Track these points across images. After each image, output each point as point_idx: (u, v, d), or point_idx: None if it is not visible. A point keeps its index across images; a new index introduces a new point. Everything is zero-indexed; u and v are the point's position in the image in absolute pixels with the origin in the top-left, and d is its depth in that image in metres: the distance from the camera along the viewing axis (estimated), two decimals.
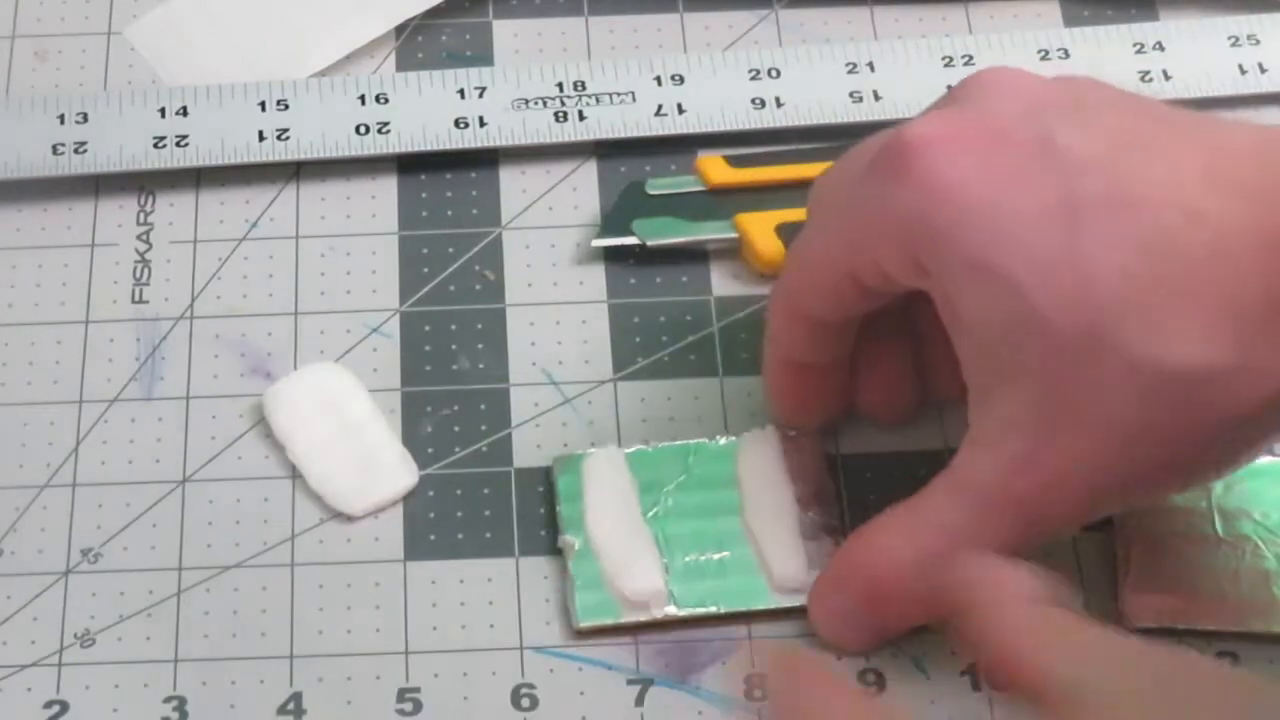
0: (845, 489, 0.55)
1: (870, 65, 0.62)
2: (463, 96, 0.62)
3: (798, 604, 0.52)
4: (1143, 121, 0.47)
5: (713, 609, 0.52)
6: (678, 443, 0.55)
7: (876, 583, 0.50)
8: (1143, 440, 0.46)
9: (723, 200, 0.60)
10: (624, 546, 0.53)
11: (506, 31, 0.64)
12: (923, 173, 0.47)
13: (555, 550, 0.54)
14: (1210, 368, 0.45)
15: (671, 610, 0.52)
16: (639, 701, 0.52)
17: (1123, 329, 0.45)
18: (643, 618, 0.52)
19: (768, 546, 0.53)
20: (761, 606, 0.52)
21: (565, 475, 0.55)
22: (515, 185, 0.61)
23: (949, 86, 0.61)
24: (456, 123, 0.61)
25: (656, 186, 0.60)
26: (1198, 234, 0.45)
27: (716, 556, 0.53)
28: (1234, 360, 0.45)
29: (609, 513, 0.53)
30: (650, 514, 0.54)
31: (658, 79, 0.62)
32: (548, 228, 0.60)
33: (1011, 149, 0.47)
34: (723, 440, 0.55)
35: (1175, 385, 0.45)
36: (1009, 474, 0.47)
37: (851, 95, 0.62)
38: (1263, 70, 0.63)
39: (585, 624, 0.52)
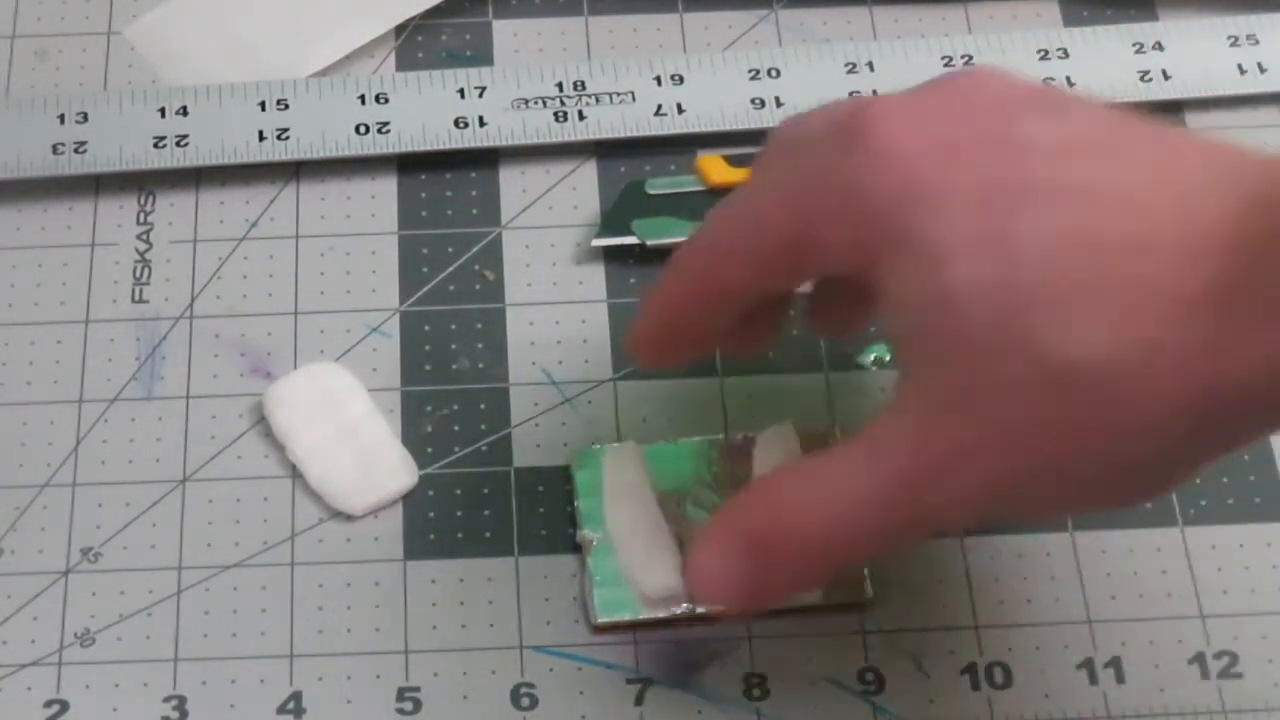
0: None
1: (870, 65, 0.62)
2: (462, 96, 0.62)
3: (809, 603, 0.52)
4: (1109, 125, 0.46)
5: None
6: (696, 438, 0.55)
7: (766, 535, 0.48)
8: (1036, 435, 0.44)
9: None
10: (642, 543, 0.53)
11: (506, 31, 0.64)
12: (877, 144, 0.46)
13: (555, 549, 0.54)
14: (1112, 364, 0.43)
15: (688, 606, 0.52)
16: (639, 701, 0.52)
17: (1032, 317, 0.43)
18: (661, 614, 0.52)
19: None
20: (778, 605, 0.52)
21: (583, 470, 0.55)
22: (515, 185, 0.61)
23: None
24: (456, 122, 0.61)
25: (656, 186, 0.60)
26: (1127, 227, 0.44)
27: None
28: (1137, 359, 0.43)
29: (627, 508, 0.53)
30: (679, 510, 0.54)
31: (657, 79, 0.62)
32: (547, 227, 0.60)
33: (969, 130, 0.46)
34: (740, 437, 0.55)
35: (1075, 380, 0.43)
36: (906, 450, 0.46)
37: (851, 95, 0.62)
38: (1262, 70, 0.63)
39: (604, 620, 0.52)
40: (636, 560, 0.53)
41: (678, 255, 0.51)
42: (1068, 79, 0.62)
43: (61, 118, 0.61)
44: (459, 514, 0.55)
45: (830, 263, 0.47)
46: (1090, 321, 0.43)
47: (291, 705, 0.52)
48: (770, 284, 0.49)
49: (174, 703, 0.52)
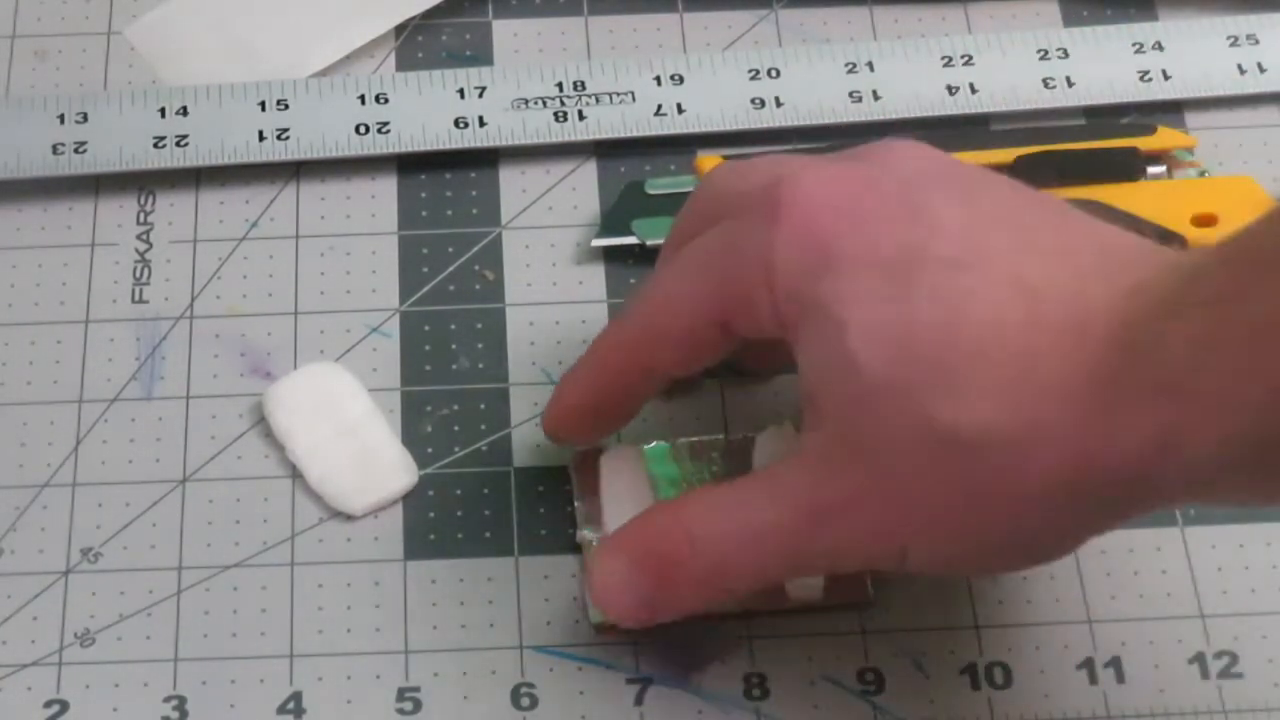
0: None
1: (870, 65, 0.62)
2: (462, 96, 0.62)
3: (809, 603, 0.52)
4: (1014, 208, 0.48)
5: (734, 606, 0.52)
6: (695, 438, 0.55)
7: (664, 555, 0.50)
8: (920, 494, 0.46)
9: None
10: None
11: (506, 31, 0.64)
12: (794, 219, 0.48)
13: (555, 549, 0.54)
14: (994, 435, 0.45)
15: None
16: (638, 701, 0.52)
17: (924, 386, 0.45)
18: None
19: None
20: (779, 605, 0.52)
21: (582, 471, 0.55)
22: (515, 185, 0.61)
23: (949, 87, 0.62)
24: (456, 123, 0.61)
25: (656, 186, 0.60)
26: (1021, 304, 0.45)
27: None
28: (1019, 433, 0.45)
29: (626, 508, 0.53)
30: None
31: (657, 79, 0.62)
32: (547, 227, 0.60)
33: (880, 205, 0.47)
34: (740, 437, 0.55)
35: (959, 446, 0.45)
36: (803, 493, 0.48)
37: (851, 95, 0.62)
38: (1262, 70, 0.63)
39: (604, 620, 0.52)
40: None
41: (601, 344, 0.53)
42: (1068, 79, 0.62)
43: (61, 118, 0.61)
44: (459, 514, 0.55)
45: (754, 331, 0.49)
46: (977, 393, 0.45)
47: (291, 705, 0.52)
48: (698, 362, 0.52)
49: (174, 703, 0.52)
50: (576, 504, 0.54)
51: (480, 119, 0.61)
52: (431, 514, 0.55)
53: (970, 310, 0.45)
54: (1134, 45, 0.63)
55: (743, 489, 0.49)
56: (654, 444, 0.55)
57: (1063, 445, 0.44)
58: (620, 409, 0.53)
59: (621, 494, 0.54)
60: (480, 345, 0.58)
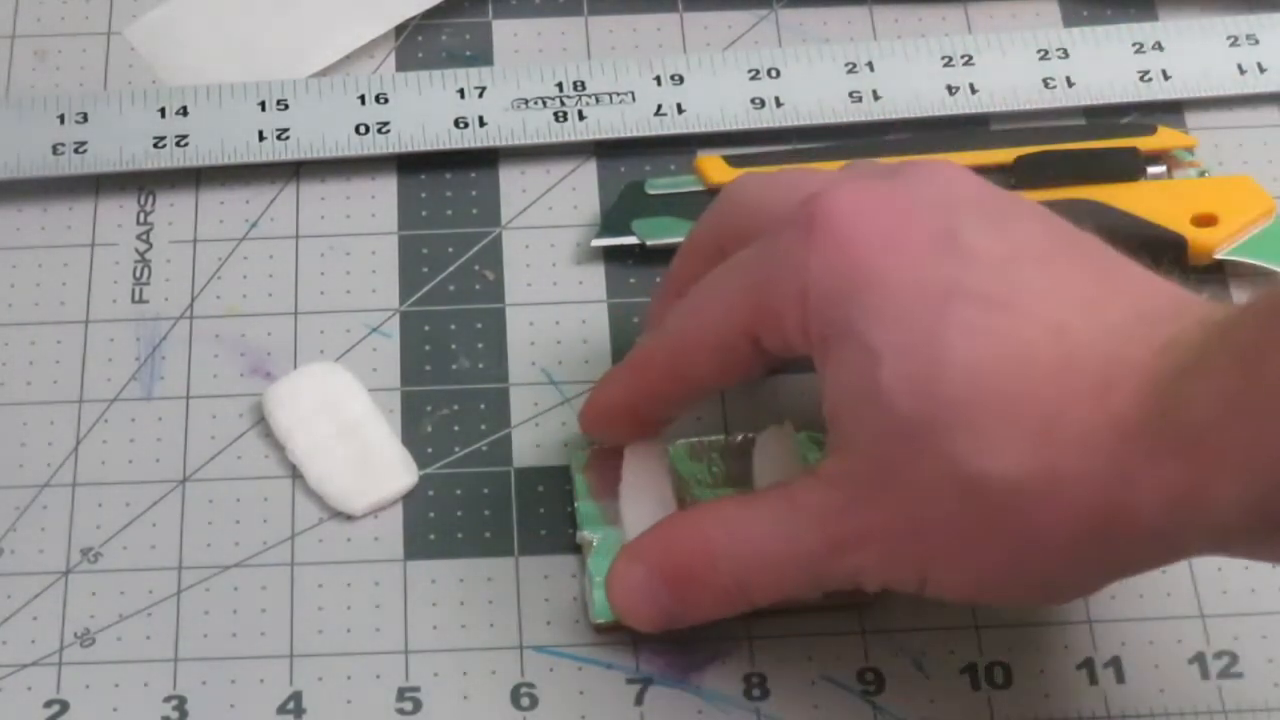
0: None
1: (870, 65, 0.62)
2: (462, 96, 0.62)
3: (809, 603, 0.52)
4: (1051, 242, 0.48)
5: None
6: (695, 439, 0.55)
7: (685, 564, 0.50)
8: (942, 534, 0.47)
9: None
10: None
11: (506, 31, 0.64)
12: (829, 235, 0.48)
13: (555, 549, 0.54)
14: (1020, 482, 0.45)
15: None
16: (638, 701, 0.52)
17: (954, 427, 0.45)
18: None
19: None
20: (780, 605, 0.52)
21: (584, 470, 0.55)
22: (515, 185, 0.61)
23: (949, 87, 0.62)
24: (456, 123, 0.61)
25: (656, 186, 0.60)
26: (1054, 349, 0.45)
27: None
28: (1043, 480, 0.45)
29: (646, 501, 0.53)
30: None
31: (657, 79, 0.62)
32: (547, 227, 0.60)
33: (916, 230, 0.47)
34: (740, 437, 0.55)
35: (983, 489, 0.45)
36: (828, 514, 0.48)
37: (851, 95, 0.62)
38: (1262, 70, 0.63)
39: (603, 620, 0.52)
40: None
41: (642, 352, 0.53)
42: (1068, 79, 0.62)
43: (61, 118, 0.61)
44: (459, 514, 0.55)
45: (783, 348, 0.50)
46: (1004, 438, 0.45)
47: (291, 705, 0.52)
48: (731, 375, 0.52)
49: (174, 703, 0.52)
50: (577, 504, 0.54)
51: (480, 119, 0.61)
52: (431, 514, 0.55)
53: (1001, 352, 0.45)
54: (1134, 45, 0.63)
55: (765, 507, 0.50)
56: (679, 443, 0.55)
57: (1085, 497, 0.45)
58: (657, 413, 0.54)
59: (643, 487, 0.54)
60: (480, 345, 0.58)
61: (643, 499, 0.54)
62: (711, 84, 0.62)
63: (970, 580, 0.48)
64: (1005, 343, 0.46)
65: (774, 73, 0.62)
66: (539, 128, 0.61)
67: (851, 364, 0.47)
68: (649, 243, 0.59)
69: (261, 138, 0.60)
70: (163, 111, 0.61)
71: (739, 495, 0.52)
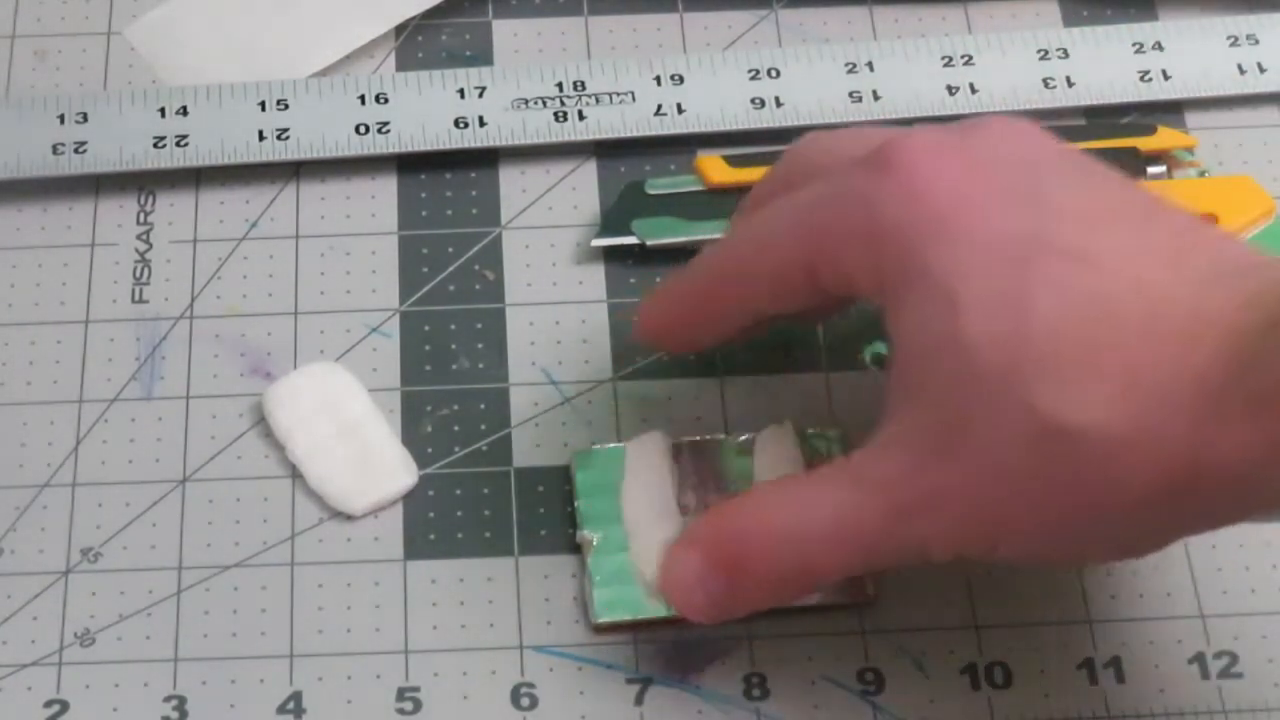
0: None
1: (870, 65, 0.62)
2: (462, 96, 0.62)
3: (809, 603, 0.52)
4: (1129, 198, 0.48)
5: None
6: (695, 438, 0.55)
7: (744, 552, 0.49)
8: (1018, 486, 0.46)
9: (722, 200, 0.60)
10: (657, 531, 0.53)
11: (506, 31, 0.64)
12: (907, 178, 0.47)
13: (555, 549, 0.54)
14: (1102, 434, 0.45)
15: None
16: (638, 701, 0.52)
17: (1035, 375, 0.45)
18: (661, 614, 0.52)
19: None
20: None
21: (584, 470, 0.55)
22: (515, 185, 0.61)
23: (949, 87, 0.62)
24: (456, 123, 0.61)
25: (656, 186, 0.60)
26: (1137, 303, 0.45)
27: None
28: (1127, 433, 0.45)
29: (648, 497, 0.53)
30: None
31: (657, 79, 0.62)
32: (547, 227, 0.60)
33: (996, 179, 0.47)
34: (741, 437, 0.55)
35: (1065, 443, 0.45)
36: (893, 481, 0.47)
37: (851, 95, 0.62)
38: (1262, 70, 0.63)
39: (603, 620, 0.52)
40: (648, 548, 0.53)
41: (701, 260, 0.53)
42: (1068, 79, 0.62)
43: (61, 118, 0.61)
44: (459, 514, 0.55)
45: (844, 287, 0.49)
46: (1088, 390, 0.45)
47: (291, 705, 0.52)
48: (783, 305, 0.51)
49: (174, 703, 0.52)
50: (577, 503, 0.54)
51: (480, 119, 0.61)
52: (431, 514, 0.55)
53: (1087, 306, 0.45)
54: (1134, 45, 0.63)
55: (823, 483, 0.49)
56: (680, 441, 0.55)
57: (1167, 451, 0.45)
58: (714, 326, 0.53)
59: (647, 483, 0.54)
60: (480, 345, 0.58)
61: (642, 487, 0.54)
62: (711, 84, 0.62)
63: (1043, 540, 0.47)
64: (1089, 297, 0.45)
65: (774, 73, 0.62)
66: (539, 128, 0.61)
67: (928, 311, 0.46)
68: (649, 243, 0.59)
69: (261, 138, 0.60)
70: (163, 111, 0.61)
71: (793, 475, 0.51)
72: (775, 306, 0.52)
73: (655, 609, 0.52)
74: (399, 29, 0.64)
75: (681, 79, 0.62)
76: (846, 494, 0.48)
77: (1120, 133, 0.61)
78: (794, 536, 0.49)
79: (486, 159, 0.61)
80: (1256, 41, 0.63)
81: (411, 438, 0.56)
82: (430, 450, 0.56)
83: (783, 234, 0.50)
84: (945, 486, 0.47)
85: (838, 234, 0.48)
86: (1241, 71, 0.63)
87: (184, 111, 0.61)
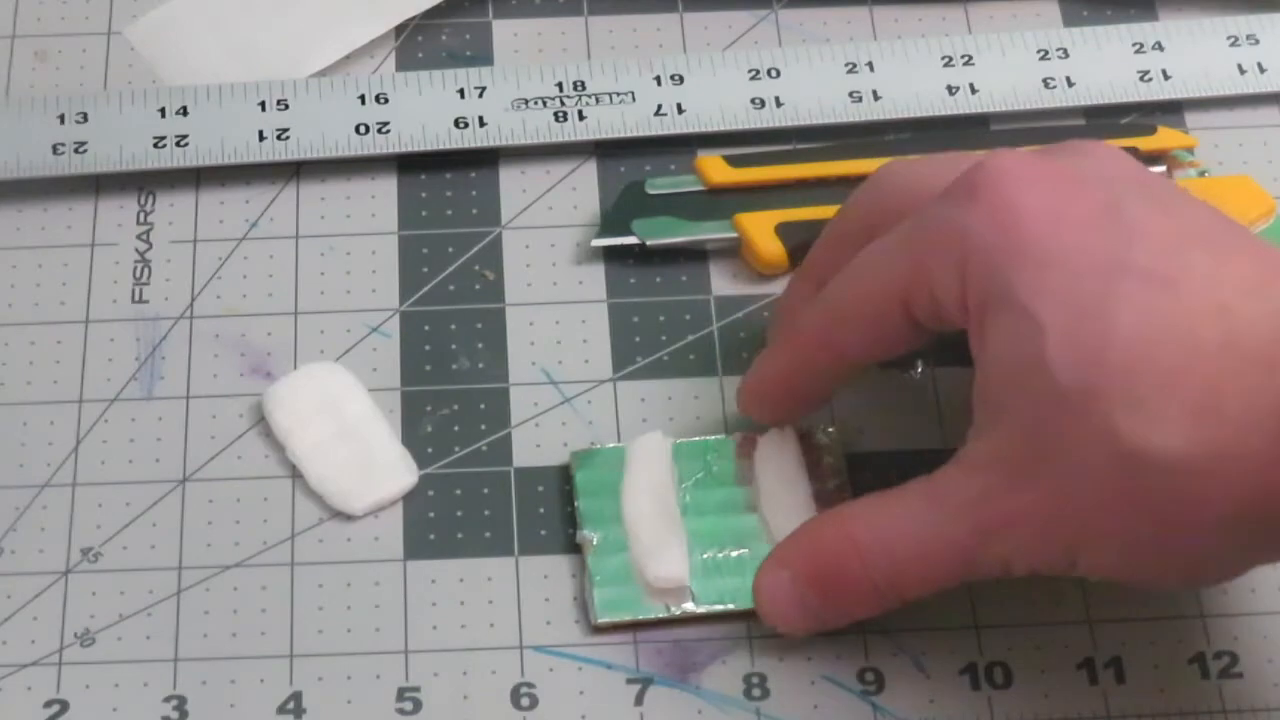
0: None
1: (870, 65, 0.62)
2: (462, 96, 0.62)
3: None
4: (1212, 223, 0.48)
5: (730, 605, 0.52)
6: (696, 439, 0.55)
7: (832, 567, 0.50)
8: (1099, 510, 0.47)
9: (722, 200, 0.60)
10: (657, 531, 0.53)
11: (506, 31, 0.64)
12: (994, 200, 0.48)
13: (555, 549, 0.54)
14: (1182, 460, 0.45)
15: (689, 606, 0.52)
16: (639, 700, 0.52)
17: (1117, 399, 0.45)
18: (661, 614, 0.52)
19: None
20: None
21: (583, 470, 0.55)
22: (515, 185, 0.61)
23: (949, 87, 0.62)
24: (456, 122, 0.61)
25: (656, 186, 0.60)
26: (1218, 330, 0.45)
27: (735, 554, 0.53)
28: (1204, 459, 0.45)
29: (648, 497, 0.53)
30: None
31: (657, 79, 0.62)
32: (547, 227, 0.60)
33: (1081, 202, 0.47)
34: (740, 437, 0.55)
35: (1144, 467, 0.45)
36: (976, 501, 0.48)
37: (851, 95, 0.62)
38: (1262, 70, 0.63)
39: (604, 620, 0.52)
40: (648, 547, 0.53)
41: (799, 321, 0.53)
42: (1068, 79, 0.62)
43: (61, 118, 0.61)
44: (459, 514, 0.55)
45: (934, 316, 0.49)
46: (1167, 415, 0.45)
47: (291, 705, 0.52)
48: (884, 348, 0.51)
49: (174, 703, 0.52)
50: (577, 503, 0.54)
51: (480, 119, 0.61)
52: (431, 514, 0.55)
53: (1168, 329, 0.46)
54: (1134, 45, 0.63)
55: (909, 502, 0.50)
56: (680, 442, 0.55)
57: (1244, 477, 0.45)
58: (813, 390, 0.54)
59: (646, 482, 0.54)
60: (480, 345, 0.58)
61: (646, 489, 0.54)
62: (711, 84, 0.62)
63: (1120, 559, 0.48)
64: (1170, 320, 0.46)
65: (774, 73, 0.62)
66: (539, 128, 0.61)
67: (1013, 334, 0.47)
68: (649, 243, 0.59)
69: (261, 138, 0.60)
70: (163, 111, 0.61)
71: (880, 493, 0.51)
72: (874, 354, 0.52)
73: (655, 609, 0.52)
74: (399, 29, 0.64)
75: (681, 79, 0.62)
76: (931, 513, 0.49)
77: (1120, 133, 0.61)
78: (881, 554, 0.50)
79: (486, 159, 0.61)
80: (1256, 41, 0.63)
81: (411, 438, 0.56)
82: (430, 450, 0.56)
83: (879, 277, 0.50)
84: (1027, 508, 0.47)
85: (931, 263, 0.49)
86: (1241, 71, 0.63)
87: (184, 111, 0.61)
